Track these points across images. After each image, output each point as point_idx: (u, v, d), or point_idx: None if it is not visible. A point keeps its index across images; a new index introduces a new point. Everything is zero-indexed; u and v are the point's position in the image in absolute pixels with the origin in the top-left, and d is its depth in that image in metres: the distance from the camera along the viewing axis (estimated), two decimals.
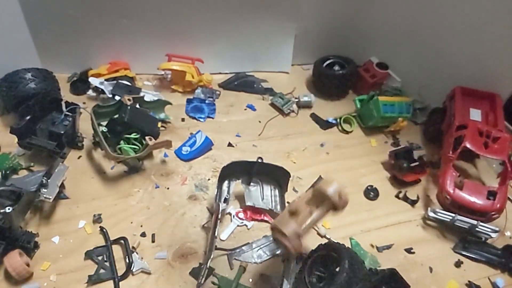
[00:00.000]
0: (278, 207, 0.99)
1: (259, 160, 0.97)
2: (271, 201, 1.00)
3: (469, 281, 0.91)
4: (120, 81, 1.24)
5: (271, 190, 1.02)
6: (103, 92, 1.22)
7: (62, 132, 1.04)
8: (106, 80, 1.24)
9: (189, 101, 1.29)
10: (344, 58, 1.36)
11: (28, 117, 1.03)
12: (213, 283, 0.85)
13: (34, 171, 1.02)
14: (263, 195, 1.01)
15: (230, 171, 0.97)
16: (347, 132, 1.26)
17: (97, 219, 0.95)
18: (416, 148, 1.21)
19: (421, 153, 1.14)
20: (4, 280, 0.84)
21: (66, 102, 1.10)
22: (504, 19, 1.08)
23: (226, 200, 0.93)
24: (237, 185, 1.01)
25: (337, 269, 0.76)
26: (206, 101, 1.29)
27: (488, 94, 1.17)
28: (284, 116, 1.30)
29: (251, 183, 1.01)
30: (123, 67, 1.29)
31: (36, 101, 1.06)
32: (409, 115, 1.21)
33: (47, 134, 1.05)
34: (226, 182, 0.99)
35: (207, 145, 1.15)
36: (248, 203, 0.97)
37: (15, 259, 0.82)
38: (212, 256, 0.79)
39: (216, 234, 0.81)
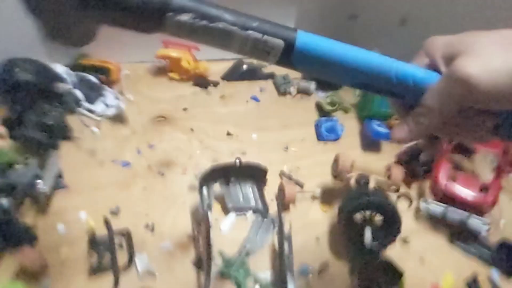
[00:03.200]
0: (259, 203, 1.01)
1: (238, 161, 0.99)
2: (251, 198, 1.02)
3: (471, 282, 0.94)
4: (87, 74, 1.20)
5: (249, 188, 1.03)
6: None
7: (53, 122, 1.02)
8: (78, 69, 1.21)
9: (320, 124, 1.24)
10: None
11: (19, 108, 1.01)
12: None
13: (28, 163, 1.01)
14: (242, 194, 1.02)
15: (209, 176, 0.98)
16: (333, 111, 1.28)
17: (115, 211, 0.96)
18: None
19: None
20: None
21: (56, 93, 1.09)
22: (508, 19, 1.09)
23: (209, 206, 0.94)
24: (215, 188, 1.02)
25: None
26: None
27: None
28: (279, 95, 1.31)
29: (229, 184, 1.03)
30: (112, 65, 1.25)
31: (26, 92, 1.04)
32: None
33: (37, 125, 1.02)
34: (205, 187, 1.00)
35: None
36: (229, 205, 0.99)
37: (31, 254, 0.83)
38: (212, 270, 0.80)
39: (211, 244, 0.81)
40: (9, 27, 1.13)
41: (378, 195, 0.93)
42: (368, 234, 0.90)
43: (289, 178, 1.07)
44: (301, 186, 1.05)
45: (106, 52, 1.29)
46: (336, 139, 1.20)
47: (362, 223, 0.93)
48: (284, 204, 0.99)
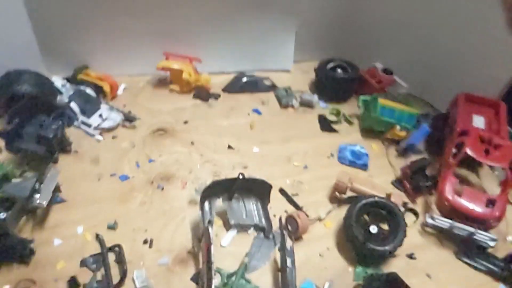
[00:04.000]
0: (263, 220, 0.98)
1: (241, 176, 0.97)
2: (255, 216, 0.99)
3: None
4: (84, 88, 1.20)
5: (253, 204, 1.01)
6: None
7: (52, 136, 1.01)
8: (75, 82, 1.22)
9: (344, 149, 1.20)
10: (349, 63, 1.36)
11: (16, 121, 1.00)
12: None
13: (27, 176, 0.99)
14: (245, 210, 1.00)
15: (211, 191, 0.96)
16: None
17: (112, 226, 0.94)
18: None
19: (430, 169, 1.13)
20: None
21: (54, 106, 1.08)
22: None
23: (210, 222, 0.92)
24: (217, 203, 1.00)
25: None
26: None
27: (493, 102, 1.17)
28: (281, 108, 1.31)
29: (232, 199, 1.00)
30: (110, 81, 1.26)
31: (24, 104, 1.03)
32: (410, 127, 1.20)
33: (36, 138, 1.01)
34: (206, 203, 0.98)
35: (423, 130, 1.17)
36: (232, 221, 0.96)
37: None
38: (213, 286, 0.76)
39: (212, 261, 0.78)
40: (9, 40, 1.14)
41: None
42: (373, 228, 0.92)
43: (294, 203, 1.03)
44: (307, 215, 1.01)
45: (107, 65, 1.29)
46: (364, 166, 1.17)
47: (369, 221, 0.94)
48: (297, 235, 0.95)
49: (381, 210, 0.96)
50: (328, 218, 1.01)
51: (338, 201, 1.04)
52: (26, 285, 0.81)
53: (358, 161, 1.16)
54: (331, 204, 1.04)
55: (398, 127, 1.19)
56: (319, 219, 1.00)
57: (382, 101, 1.20)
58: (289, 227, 0.95)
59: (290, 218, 0.96)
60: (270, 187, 0.98)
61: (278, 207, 1.02)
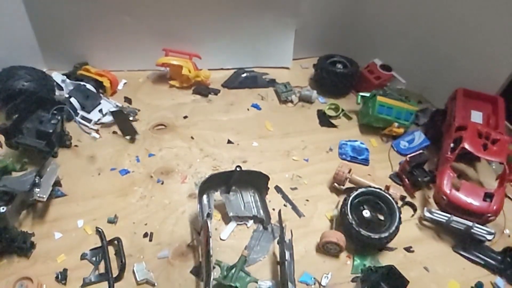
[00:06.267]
0: (261, 211, 0.99)
1: (238, 169, 0.97)
2: (253, 207, 1.00)
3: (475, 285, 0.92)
4: (84, 83, 1.20)
5: (250, 196, 1.02)
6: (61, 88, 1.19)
7: (51, 131, 1.01)
8: (75, 78, 1.22)
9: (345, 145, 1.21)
10: (349, 59, 1.36)
11: (15, 116, 1.01)
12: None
13: (27, 170, 1.00)
14: (243, 202, 1.00)
15: (209, 184, 0.97)
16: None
17: (112, 220, 0.95)
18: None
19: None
20: None
21: (53, 101, 1.09)
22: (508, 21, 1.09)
23: (209, 215, 0.92)
24: (216, 196, 1.00)
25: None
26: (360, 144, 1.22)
27: (491, 97, 1.18)
28: (280, 103, 1.32)
29: (230, 192, 1.01)
30: (110, 77, 1.26)
31: (22, 100, 1.04)
32: (407, 123, 1.21)
33: (35, 133, 1.02)
34: (205, 196, 0.99)
35: (424, 145, 1.20)
36: (230, 214, 0.97)
37: None
38: (212, 279, 0.77)
39: (211, 253, 0.79)
40: (8, 36, 1.14)
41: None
42: (366, 211, 0.94)
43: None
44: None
45: (107, 61, 1.30)
46: (366, 161, 1.18)
47: (364, 208, 0.96)
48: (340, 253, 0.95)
49: (378, 201, 0.97)
50: (329, 210, 1.02)
51: (337, 192, 1.06)
52: (24, 283, 0.81)
53: (359, 157, 1.17)
54: (331, 196, 1.05)
55: (396, 124, 1.20)
56: (336, 219, 1.00)
57: (380, 98, 1.20)
58: (329, 252, 0.94)
59: (330, 244, 0.92)
60: (267, 178, 0.98)
61: (277, 201, 1.02)
